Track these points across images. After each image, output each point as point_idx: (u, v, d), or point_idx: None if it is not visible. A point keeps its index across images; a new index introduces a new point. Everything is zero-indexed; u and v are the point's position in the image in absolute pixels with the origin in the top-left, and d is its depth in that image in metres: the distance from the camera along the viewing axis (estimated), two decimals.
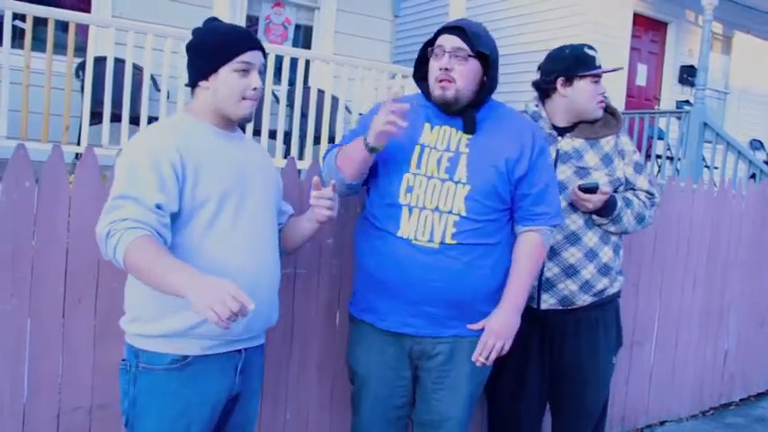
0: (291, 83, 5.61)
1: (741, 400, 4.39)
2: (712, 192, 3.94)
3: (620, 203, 2.44)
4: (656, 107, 9.34)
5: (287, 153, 5.42)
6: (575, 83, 2.47)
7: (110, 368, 2.08)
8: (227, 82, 1.77)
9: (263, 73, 1.86)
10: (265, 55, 1.87)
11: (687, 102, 9.03)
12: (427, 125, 2.10)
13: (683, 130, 7.48)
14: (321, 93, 5.68)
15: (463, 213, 2.01)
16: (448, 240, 2.00)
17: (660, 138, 8.02)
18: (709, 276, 3.99)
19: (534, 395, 2.60)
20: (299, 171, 2.56)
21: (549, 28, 8.46)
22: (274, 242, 1.92)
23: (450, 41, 2.02)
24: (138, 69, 4.88)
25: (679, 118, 7.78)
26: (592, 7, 8.51)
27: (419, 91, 2.20)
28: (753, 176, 7.40)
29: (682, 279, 3.82)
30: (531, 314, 2.38)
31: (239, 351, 1.83)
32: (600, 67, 2.48)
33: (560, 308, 2.49)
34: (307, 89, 5.69)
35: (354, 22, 7.20)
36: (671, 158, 7.97)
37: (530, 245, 2.12)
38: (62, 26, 4.74)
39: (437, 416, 2.15)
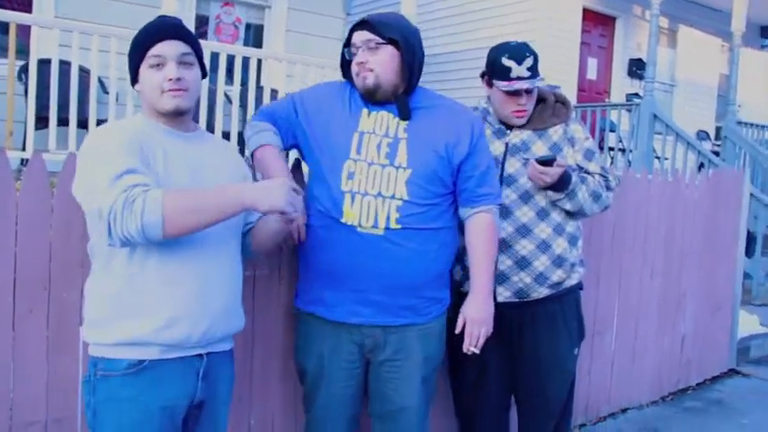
0: (244, 83, 5.52)
1: (698, 384, 4.50)
2: (667, 182, 4.01)
3: (574, 178, 2.42)
4: (607, 100, 9.50)
5: (241, 154, 5.32)
6: (493, 85, 2.44)
7: (65, 381, 2.00)
8: (146, 80, 1.74)
9: (192, 64, 1.76)
10: (191, 42, 1.77)
11: (636, 94, 9.19)
12: (365, 111, 2.11)
13: (634, 122, 7.61)
14: (274, 92, 5.61)
15: (405, 197, 2.01)
16: (392, 225, 2.00)
17: (612, 130, 8.15)
18: (667, 265, 4.06)
19: (497, 387, 2.61)
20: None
21: (502, 24, 8.52)
22: (235, 245, 1.87)
23: (359, 36, 2.06)
24: (84, 71, 4.73)
25: (629, 110, 7.92)
26: (543, 3, 8.60)
27: None
28: (701, 166, 7.58)
29: (640, 268, 3.88)
30: None
31: (200, 356, 1.77)
32: (517, 79, 2.34)
33: (516, 300, 2.49)
34: (260, 89, 5.61)
35: (306, 20, 7.14)
36: (623, 150, 8.11)
37: (483, 228, 2.14)
38: (2, 27, 4.56)
39: (393, 406, 2.16)
